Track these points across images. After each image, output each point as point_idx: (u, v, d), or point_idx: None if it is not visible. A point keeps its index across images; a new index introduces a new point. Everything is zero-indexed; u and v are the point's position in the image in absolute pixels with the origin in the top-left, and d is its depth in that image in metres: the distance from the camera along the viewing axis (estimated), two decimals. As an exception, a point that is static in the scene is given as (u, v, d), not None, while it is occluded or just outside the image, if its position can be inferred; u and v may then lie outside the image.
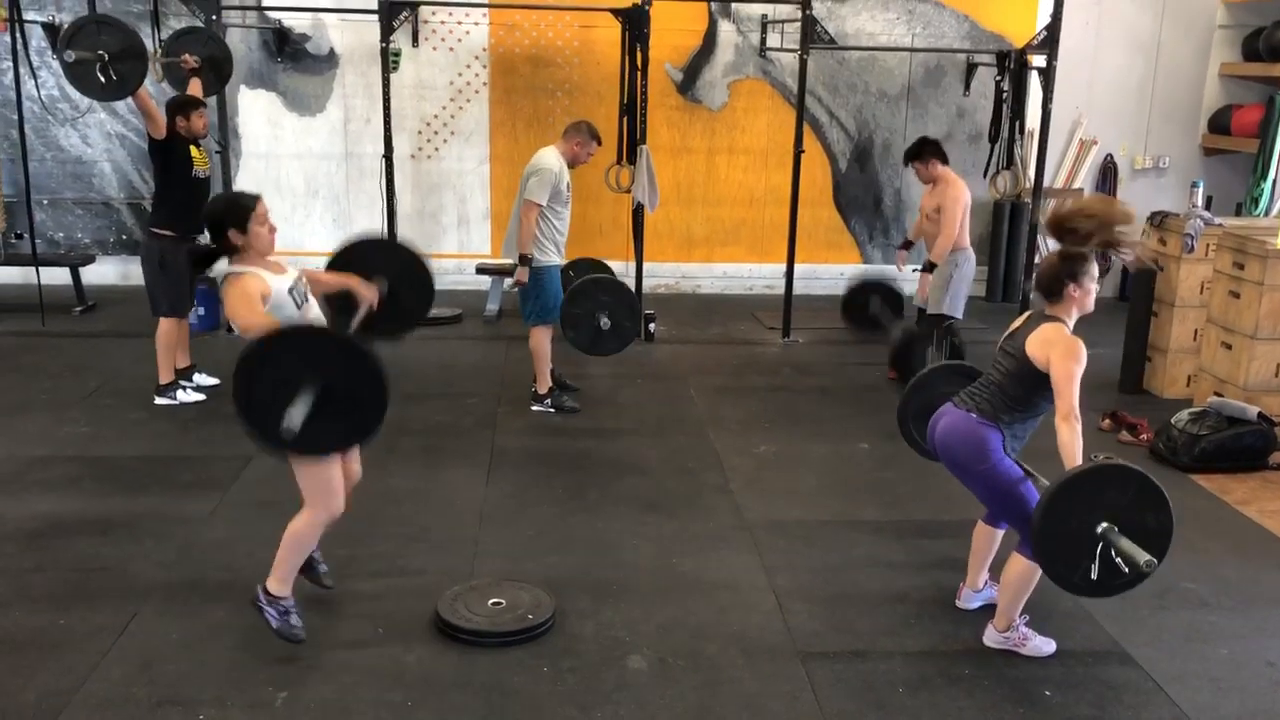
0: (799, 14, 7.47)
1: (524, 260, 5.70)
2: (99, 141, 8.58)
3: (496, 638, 3.61)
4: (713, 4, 8.71)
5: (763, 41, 8.83)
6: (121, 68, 5.63)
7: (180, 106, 5.92)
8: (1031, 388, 3.51)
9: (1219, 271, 6.17)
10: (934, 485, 4.83)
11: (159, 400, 5.99)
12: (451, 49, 8.69)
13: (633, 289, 7.64)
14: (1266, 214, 8.49)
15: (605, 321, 5.68)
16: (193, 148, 5.94)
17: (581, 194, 6.10)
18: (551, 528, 4.58)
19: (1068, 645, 3.70)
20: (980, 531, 3.93)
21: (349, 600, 3.84)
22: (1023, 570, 3.54)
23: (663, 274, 9.05)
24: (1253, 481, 5.32)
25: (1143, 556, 3.12)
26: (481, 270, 8.39)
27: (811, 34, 7.34)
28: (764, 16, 8.75)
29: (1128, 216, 3.50)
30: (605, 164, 7.36)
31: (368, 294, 3.77)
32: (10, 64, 7.15)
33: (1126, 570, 3.17)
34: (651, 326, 7.70)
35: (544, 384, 6.01)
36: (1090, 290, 3.51)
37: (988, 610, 3.80)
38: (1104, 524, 3.19)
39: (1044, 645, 3.67)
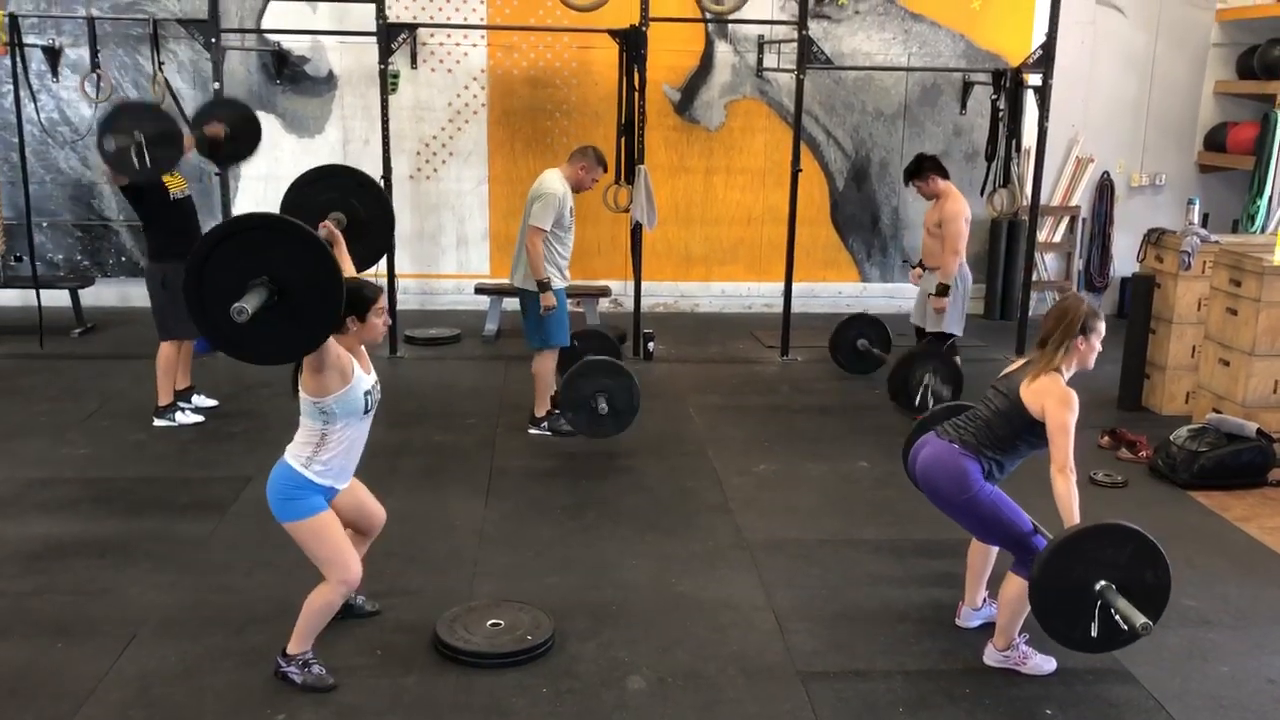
0: (795, 34, 7.53)
1: (542, 286, 5.65)
2: (98, 164, 8.58)
3: (495, 659, 3.60)
4: (709, 25, 8.76)
5: (759, 61, 8.88)
6: (156, 151, 5.63)
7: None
8: (1017, 431, 3.54)
9: (1216, 289, 6.18)
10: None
11: (158, 422, 5.99)
12: (450, 70, 8.73)
13: (631, 312, 7.69)
14: (1263, 231, 8.50)
15: (603, 406, 5.60)
16: (164, 175, 5.87)
17: (580, 214, 6.10)
18: (550, 548, 4.57)
19: (1068, 663, 3.68)
20: (974, 549, 3.93)
21: (347, 622, 3.82)
22: (1019, 589, 3.53)
23: (661, 293, 9.07)
24: (1252, 498, 5.32)
25: (1139, 619, 3.17)
26: (480, 290, 8.41)
27: (808, 54, 7.38)
28: (760, 37, 8.80)
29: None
30: (604, 184, 7.36)
31: (328, 233, 4.13)
32: (11, 87, 7.21)
33: (1125, 629, 3.21)
34: (650, 346, 7.71)
35: (542, 408, 6.00)
36: (1095, 347, 3.54)
37: (988, 629, 3.80)
38: (1102, 582, 3.24)
39: (1044, 663, 3.67)
